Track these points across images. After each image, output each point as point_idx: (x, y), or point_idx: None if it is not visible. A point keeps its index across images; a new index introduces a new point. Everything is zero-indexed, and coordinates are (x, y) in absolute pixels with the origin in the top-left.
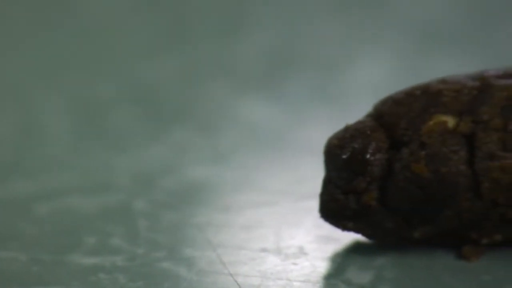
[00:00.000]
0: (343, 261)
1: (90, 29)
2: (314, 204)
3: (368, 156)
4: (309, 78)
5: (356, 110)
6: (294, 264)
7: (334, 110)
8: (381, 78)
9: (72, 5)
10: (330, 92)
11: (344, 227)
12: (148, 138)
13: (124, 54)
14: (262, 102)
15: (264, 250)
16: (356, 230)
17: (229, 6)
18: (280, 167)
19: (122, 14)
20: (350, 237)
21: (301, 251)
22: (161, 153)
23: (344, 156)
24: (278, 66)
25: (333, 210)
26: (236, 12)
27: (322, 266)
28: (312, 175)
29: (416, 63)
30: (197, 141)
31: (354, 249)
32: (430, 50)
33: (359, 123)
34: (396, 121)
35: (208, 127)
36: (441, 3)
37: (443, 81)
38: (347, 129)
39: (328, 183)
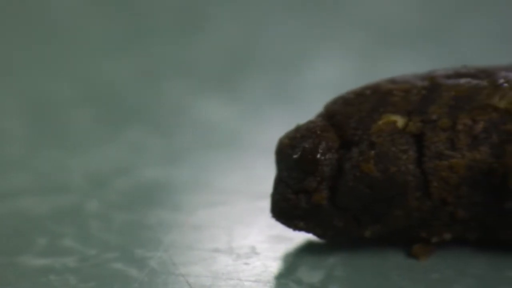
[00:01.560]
0: (294, 260)
1: (46, 28)
2: (267, 204)
3: (318, 155)
4: (266, 78)
5: (313, 109)
6: (246, 264)
7: (290, 110)
8: (338, 78)
9: (28, 4)
10: (287, 92)
11: (295, 227)
12: (103, 139)
13: (81, 53)
14: (219, 102)
15: (215, 250)
16: (307, 230)
17: (187, 5)
18: (235, 167)
19: (79, 13)
20: (302, 237)
21: (253, 251)
22: (116, 153)
23: (294, 156)
24: (235, 66)
25: (284, 210)
26: (195, 11)
27: (273, 266)
28: (266, 175)
29: (373, 62)
30: (152, 141)
31: (306, 249)
32: (386, 49)
33: (310, 123)
34: (346, 120)
35: (164, 127)
36: (396, 3)
37: (392, 81)
38: (298, 129)
39: (279, 183)
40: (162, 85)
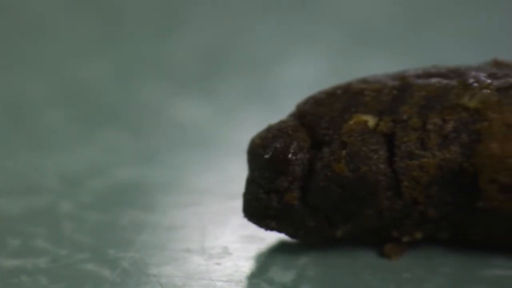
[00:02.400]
0: (266, 260)
1: (21, 28)
2: (240, 204)
3: (290, 155)
4: (242, 79)
5: (287, 110)
6: (218, 264)
7: (265, 110)
8: (313, 78)
9: (3, 4)
10: (262, 92)
11: (267, 227)
12: (77, 139)
13: (56, 53)
14: (194, 102)
15: (188, 250)
16: (279, 230)
17: (163, 5)
18: (208, 167)
19: (54, 12)
20: (274, 237)
21: (225, 251)
22: (90, 154)
23: (266, 156)
24: (211, 67)
25: (256, 210)
26: (171, 12)
27: (245, 266)
28: (239, 175)
29: (348, 62)
30: (126, 141)
31: (278, 249)
32: (361, 49)
33: (281, 122)
34: (318, 120)
35: (138, 127)
36: (372, 3)
37: (364, 80)
38: (269, 129)
39: (251, 183)
40: (137, 86)
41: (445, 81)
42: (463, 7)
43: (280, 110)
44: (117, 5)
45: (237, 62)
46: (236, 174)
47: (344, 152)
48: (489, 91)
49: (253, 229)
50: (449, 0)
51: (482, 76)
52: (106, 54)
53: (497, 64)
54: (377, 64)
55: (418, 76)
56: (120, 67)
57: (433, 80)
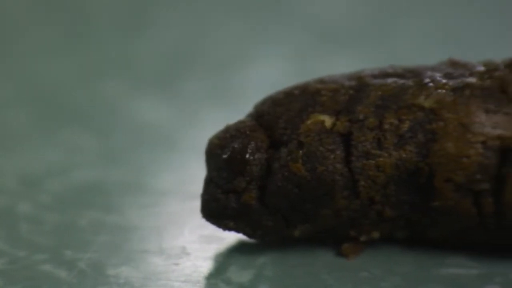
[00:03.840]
0: (224, 260)
1: None
2: (199, 204)
3: (247, 155)
4: (206, 79)
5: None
6: (176, 264)
7: (227, 111)
8: (278, 78)
9: None
10: (225, 93)
11: (226, 227)
12: (38, 140)
13: (17, 53)
14: (156, 103)
15: (146, 251)
16: (237, 230)
17: (128, 5)
18: (168, 168)
19: (17, 11)
20: (233, 237)
21: (184, 251)
22: (50, 154)
23: (224, 156)
24: (174, 67)
25: (214, 210)
26: (136, 13)
27: (203, 266)
28: (199, 175)
29: (313, 62)
30: (87, 142)
31: (236, 249)
32: (327, 49)
33: (239, 123)
34: (275, 120)
35: (100, 128)
36: (338, 3)
37: (321, 81)
38: (227, 129)
39: (209, 183)
40: (99, 86)
41: (401, 81)
42: (425, 7)
43: (243, 111)
44: (82, 5)
45: (202, 63)
46: (195, 174)
47: (301, 152)
48: (444, 91)
49: (212, 229)
50: (411, 1)
51: (438, 76)
52: (69, 54)
53: (452, 64)
54: (342, 64)
55: (375, 76)
56: (83, 67)
57: (389, 80)
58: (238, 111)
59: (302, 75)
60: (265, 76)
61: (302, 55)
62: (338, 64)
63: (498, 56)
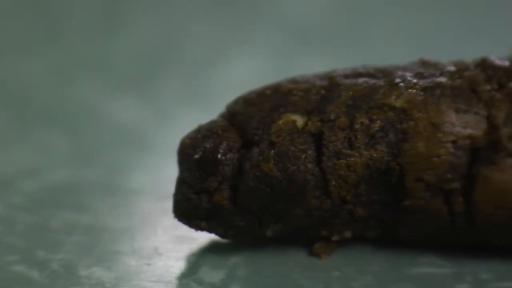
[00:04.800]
0: (197, 260)
1: None
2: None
3: (219, 155)
4: (180, 78)
5: None
6: (148, 264)
7: (202, 110)
8: (253, 78)
9: None
10: (200, 92)
11: (198, 227)
12: (11, 140)
13: None
14: (130, 102)
15: (118, 251)
16: (209, 230)
17: (101, 4)
18: (141, 168)
19: None
20: (206, 237)
21: (156, 252)
22: (23, 155)
23: (196, 156)
24: (149, 67)
25: (186, 210)
26: (110, 11)
27: (175, 266)
28: (172, 175)
29: (289, 62)
30: (60, 142)
31: (209, 249)
32: (302, 49)
33: (211, 123)
34: (247, 120)
35: (73, 128)
36: (313, 3)
37: (293, 80)
38: (199, 129)
39: (181, 183)
40: (73, 85)
41: (372, 81)
42: (400, 7)
43: (218, 111)
44: (56, 4)
45: (176, 63)
46: (169, 174)
47: (272, 152)
48: (415, 90)
49: (184, 229)
50: (386, 2)
51: (409, 76)
52: (42, 54)
53: (423, 63)
54: (317, 64)
55: (346, 76)
56: (56, 67)
57: (361, 80)
58: (213, 110)
59: (277, 75)
60: (240, 75)
61: (277, 54)
62: (313, 64)
63: (470, 55)
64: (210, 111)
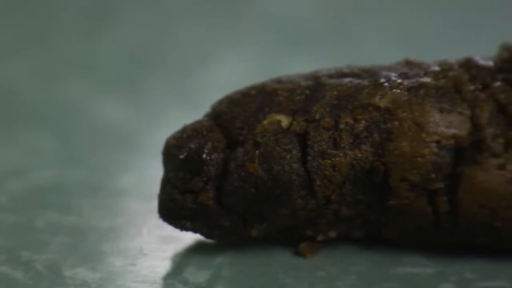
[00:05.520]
0: (182, 260)
1: None
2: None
3: (204, 156)
4: (167, 79)
5: None
6: (133, 265)
7: (188, 111)
8: (241, 78)
9: None
10: (186, 93)
11: (183, 227)
12: None
13: None
14: (116, 103)
15: (103, 251)
16: (195, 230)
17: (88, 4)
18: (127, 168)
19: None
20: (191, 237)
21: (141, 252)
22: (9, 155)
23: (181, 156)
24: (136, 67)
25: (171, 210)
26: (96, 11)
27: (160, 266)
28: (157, 175)
29: (275, 62)
30: (47, 142)
31: (194, 249)
32: (288, 49)
33: (196, 123)
34: (232, 120)
35: (60, 128)
36: (299, 3)
37: (278, 80)
38: (184, 129)
39: (166, 183)
40: (60, 86)
41: (357, 81)
42: (385, 7)
43: (204, 111)
44: (43, 4)
45: (162, 63)
46: (154, 174)
47: (257, 152)
48: (399, 90)
49: (169, 229)
50: (371, 2)
51: (393, 76)
52: (29, 54)
53: (408, 63)
54: (303, 64)
55: (331, 76)
56: (43, 67)
57: (345, 80)
58: (199, 111)
59: (264, 75)
60: (226, 76)
61: (263, 55)
62: (298, 64)
63: (456, 55)
64: (196, 112)
